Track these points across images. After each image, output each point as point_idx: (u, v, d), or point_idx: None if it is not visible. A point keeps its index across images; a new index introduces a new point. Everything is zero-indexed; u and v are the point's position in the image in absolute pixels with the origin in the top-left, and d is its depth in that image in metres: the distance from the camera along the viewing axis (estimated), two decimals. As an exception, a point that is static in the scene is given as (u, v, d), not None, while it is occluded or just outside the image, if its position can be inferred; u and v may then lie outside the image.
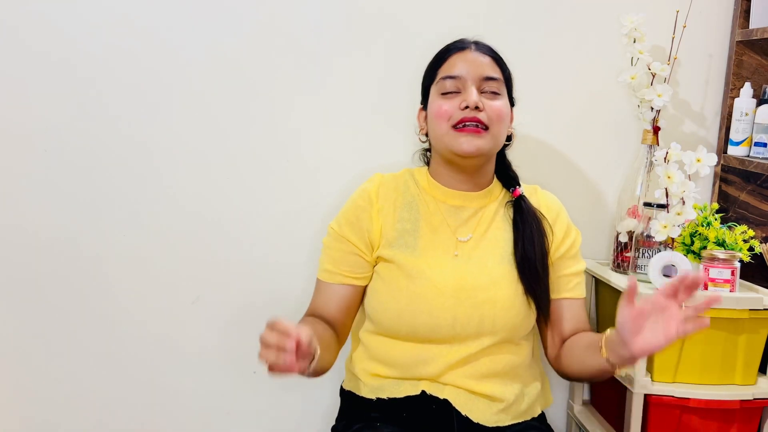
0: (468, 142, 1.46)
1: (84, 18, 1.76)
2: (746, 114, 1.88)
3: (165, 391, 1.94)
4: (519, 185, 1.60)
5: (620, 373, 1.42)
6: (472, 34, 1.58)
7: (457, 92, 1.48)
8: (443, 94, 1.49)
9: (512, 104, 1.58)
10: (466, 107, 1.45)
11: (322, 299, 1.56)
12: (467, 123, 1.46)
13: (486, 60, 1.51)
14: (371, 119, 1.89)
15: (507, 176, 1.62)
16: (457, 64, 1.50)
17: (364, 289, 1.57)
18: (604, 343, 1.37)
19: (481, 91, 1.48)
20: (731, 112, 1.94)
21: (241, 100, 1.85)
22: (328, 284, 1.55)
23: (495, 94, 1.50)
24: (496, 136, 1.49)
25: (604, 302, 1.90)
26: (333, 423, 1.64)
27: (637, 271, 1.77)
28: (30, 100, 1.78)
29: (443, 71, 1.51)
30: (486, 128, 1.47)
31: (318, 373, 1.40)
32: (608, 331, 1.37)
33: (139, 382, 1.93)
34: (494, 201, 1.58)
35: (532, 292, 1.52)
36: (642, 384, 1.67)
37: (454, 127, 1.47)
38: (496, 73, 1.51)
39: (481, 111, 1.46)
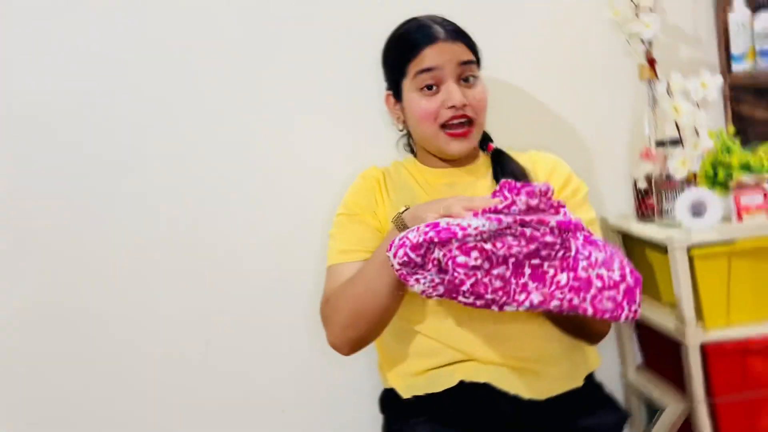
0: (458, 146, 1.53)
1: (87, 20, 1.77)
2: (743, 25, 1.87)
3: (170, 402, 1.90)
4: (491, 141, 1.66)
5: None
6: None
7: (436, 86, 1.50)
8: (422, 89, 1.51)
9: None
10: (452, 106, 1.49)
11: (342, 281, 1.52)
12: (455, 121, 1.50)
13: (458, 47, 1.51)
14: (352, 121, 1.87)
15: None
16: (430, 57, 1.50)
17: None
18: None
19: (459, 79, 1.51)
20: (727, 27, 1.91)
21: (239, 105, 1.84)
22: (346, 265, 1.51)
23: (473, 78, 1.53)
24: (481, 124, 1.56)
25: (635, 257, 1.85)
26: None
27: (664, 216, 1.75)
28: (34, 106, 1.77)
29: (416, 65, 1.51)
30: (472, 123, 1.52)
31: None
32: None
33: (146, 398, 1.88)
34: (486, 174, 1.61)
35: None
36: (695, 334, 1.62)
37: (443, 126, 1.51)
38: (469, 56, 1.53)
39: (467, 106, 1.50)
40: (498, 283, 1.25)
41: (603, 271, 1.30)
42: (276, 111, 1.84)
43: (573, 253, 1.29)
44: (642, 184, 1.82)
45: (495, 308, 1.28)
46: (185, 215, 1.84)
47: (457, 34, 1.52)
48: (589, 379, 1.57)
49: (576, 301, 1.27)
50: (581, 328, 1.51)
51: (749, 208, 1.63)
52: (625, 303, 1.29)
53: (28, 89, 1.77)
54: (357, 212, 1.56)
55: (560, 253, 1.28)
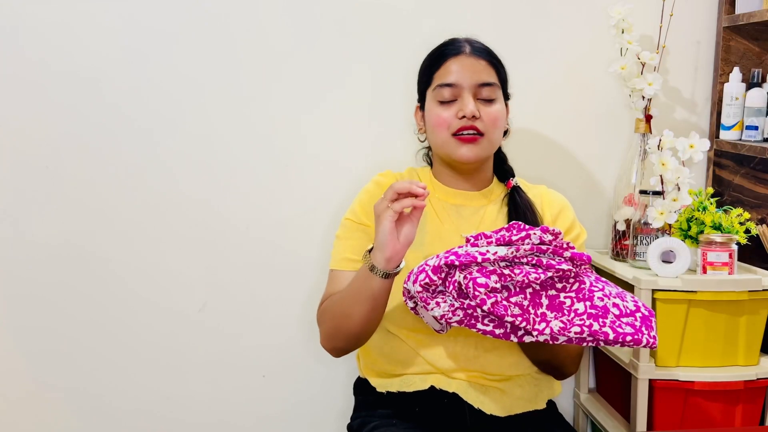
0: (466, 151, 1.51)
1: (86, 26, 1.80)
2: (736, 98, 1.90)
3: (174, 398, 1.96)
4: (513, 176, 1.64)
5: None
6: (464, 29, 1.60)
7: (454, 100, 1.51)
8: (441, 102, 1.52)
9: (507, 98, 1.61)
10: (464, 116, 1.49)
11: (339, 289, 1.53)
12: (464, 132, 1.50)
13: (481, 65, 1.52)
14: (373, 119, 1.92)
15: (502, 170, 1.65)
16: (453, 71, 1.51)
17: None
18: None
19: (477, 97, 1.51)
20: (721, 98, 1.95)
21: (242, 104, 1.88)
22: (346, 273, 1.53)
23: (491, 99, 1.52)
24: (492, 140, 1.54)
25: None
26: (346, 424, 1.65)
27: (636, 258, 1.79)
28: (34, 106, 1.81)
29: (439, 77, 1.53)
30: (482, 135, 1.51)
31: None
32: None
33: (147, 390, 1.94)
34: (495, 200, 1.61)
35: None
36: (646, 369, 1.68)
37: (453, 135, 1.51)
38: (491, 77, 1.53)
39: (477, 119, 1.50)
40: (516, 311, 1.23)
41: (618, 301, 1.28)
42: (304, 104, 1.88)
43: (587, 285, 1.28)
44: (621, 226, 1.87)
45: (514, 339, 1.26)
46: (203, 187, 1.88)
47: (482, 52, 1.53)
48: (550, 402, 1.61)
49: (596, 327, 1.24)
50: (554, 367, 1.55)
51: (714, 264, 1.67)
52: (644, 329, 1.27)
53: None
54: (364, 221, 1.55)
55: (575, 286, 1.28)
